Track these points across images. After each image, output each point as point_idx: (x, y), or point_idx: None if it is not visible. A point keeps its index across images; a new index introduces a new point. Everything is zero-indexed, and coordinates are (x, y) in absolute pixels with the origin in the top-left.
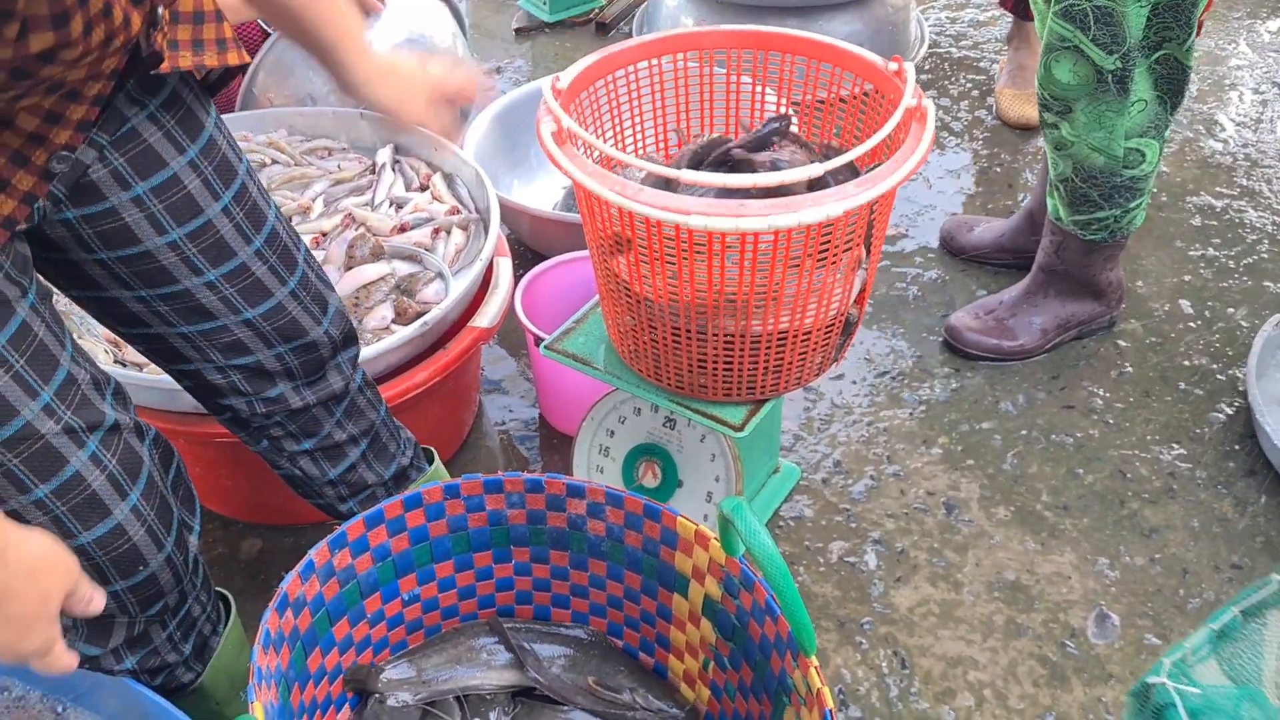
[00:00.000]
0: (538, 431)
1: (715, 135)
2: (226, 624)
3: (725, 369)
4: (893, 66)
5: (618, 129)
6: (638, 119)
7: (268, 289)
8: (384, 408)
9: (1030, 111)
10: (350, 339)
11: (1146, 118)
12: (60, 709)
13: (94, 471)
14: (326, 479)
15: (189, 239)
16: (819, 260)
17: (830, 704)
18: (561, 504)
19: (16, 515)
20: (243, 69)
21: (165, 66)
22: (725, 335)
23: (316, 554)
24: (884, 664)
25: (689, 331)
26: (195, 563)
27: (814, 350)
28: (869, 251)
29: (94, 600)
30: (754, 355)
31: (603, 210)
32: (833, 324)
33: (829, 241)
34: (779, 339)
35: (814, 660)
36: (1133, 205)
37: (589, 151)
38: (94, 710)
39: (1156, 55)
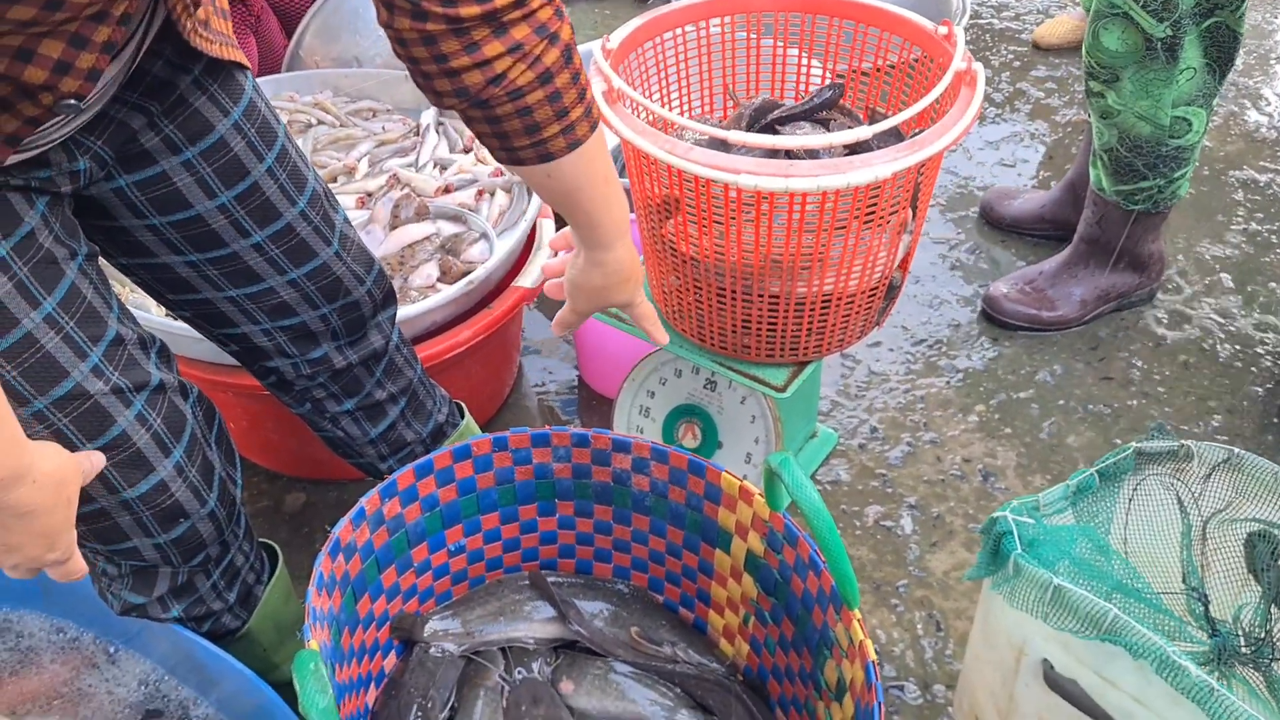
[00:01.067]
0: (576, 393)
1: (766, 98)
2: (272, 574)
3: (769, 330)
4: (942, 30)
5: (664, 92)
6: (684, 83)
7: (313, 249)
8: (420, 366)
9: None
10: (390, 298)
11: (1195, 86)
12: (112, 650)
13: (139, 430)
14: (368, 438)
15: (237, 201)
16: (865, 223)
17: (872, 655)
18: (607, 459)
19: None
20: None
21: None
22: (770, 296)
23: (368, 502)
24: (919, 626)
25: (734, 292)
26: (238, 515)
27: (857, 313)
28: (915, 215)
29: (94, 466)
30: (798, 317)
31: (652, 170)
32: (877, 287)
33: (875, 204)
34: (823, 301)
35: (857, 613)
36: (1177, 175)
37: (638, 112)
38: (144, 653)
39: (1208, 23)
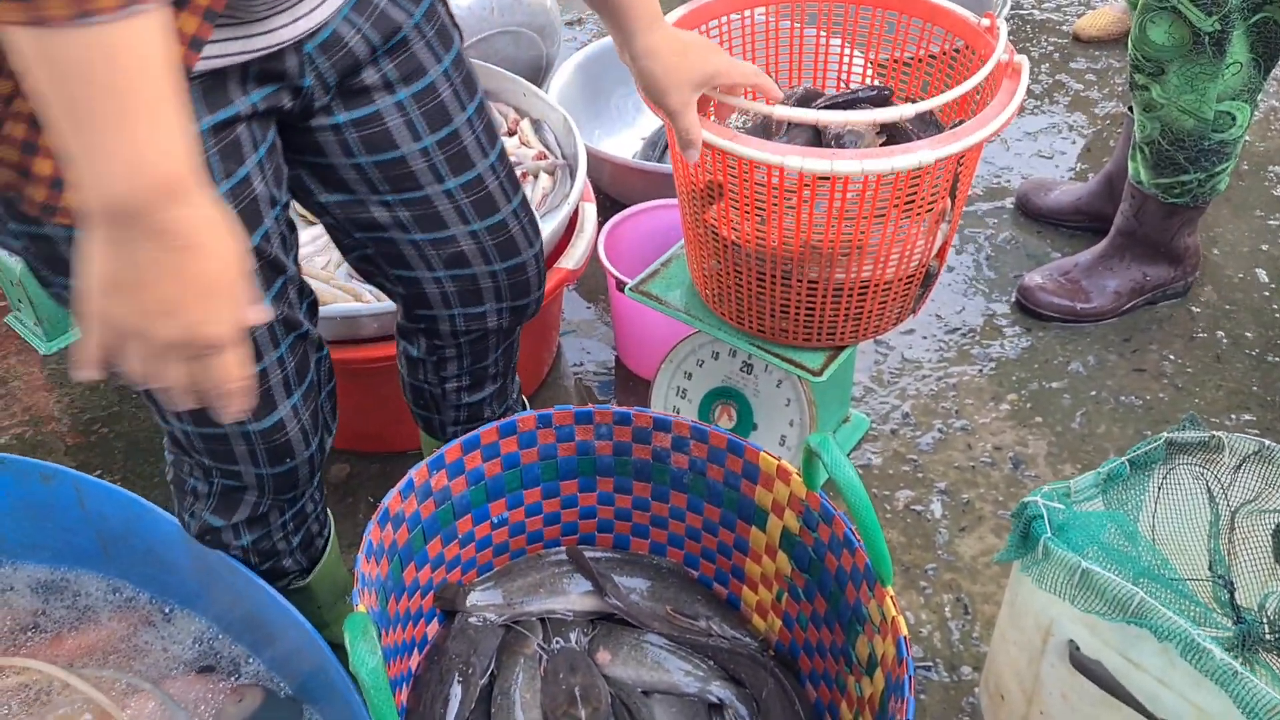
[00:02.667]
0: (613, 373)
1: (809, 87)
2: (330, 535)
3: (807, 315)
4: (984, 22)
5: None
6: None
7: (496, 204)
8: (518, 357)
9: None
10: (545, 277)
11: (1240, 80)
12: (168, 609)
13: (277, 371)
14: (458, 403)
15: (438, 146)
16: (905, 211)
17: (904, 631)
18: (647, 437)
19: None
20: None
21: None
22: (810, 282)
23: (416, 474)
24: (947, 608)
25: (774, 277)
26: (314, 472)
27: (894, 300)
28: (953, 204)
29: (256, 310)
30: (835, 303)
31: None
32: (914, 275)
33: (916, 191)
34: (861, 288)
35: (890, 590)
36: (1218, 169)
37: None
38: (200, 612)
39: (1256, 17)
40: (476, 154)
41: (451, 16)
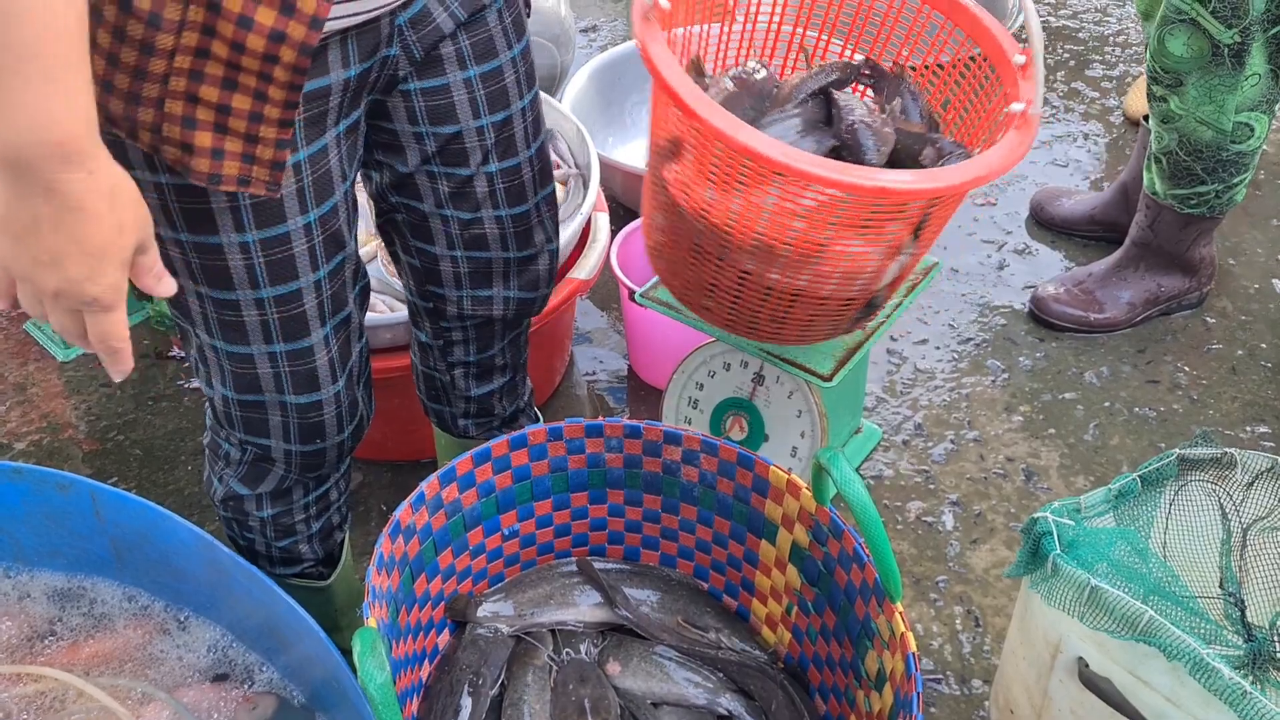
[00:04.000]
0: (625, 382)
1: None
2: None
3: (732, 301)
4: (1019, 60)
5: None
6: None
7: (525, 194)
8: (527, 356)
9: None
10: (554, 276)
11: (1259, 92)
12: (183, 617)
13: (322, 351)
14: (466, 393)
15: (493, 129)
16: (860, 232)
17: (913, 647)
18: (658, 450)
19: (249, 360)
20: None
21: None
22: (741, 270)
23: (428, 486)
24: (958, 621)
25: (708, 253)
26: (352, 449)
27: (825, 317)
28: (915, 240)
29: (164, 278)
30: (763, 300)
31: (667, 111)
32: (853, 299)
33: (873, 218)
34: (792, 295)
35: (899, 606)
36: (1236, 180)
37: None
38: (215, 619)
39: (1276, 29)
40: (521, 144)
41: (529, 7)
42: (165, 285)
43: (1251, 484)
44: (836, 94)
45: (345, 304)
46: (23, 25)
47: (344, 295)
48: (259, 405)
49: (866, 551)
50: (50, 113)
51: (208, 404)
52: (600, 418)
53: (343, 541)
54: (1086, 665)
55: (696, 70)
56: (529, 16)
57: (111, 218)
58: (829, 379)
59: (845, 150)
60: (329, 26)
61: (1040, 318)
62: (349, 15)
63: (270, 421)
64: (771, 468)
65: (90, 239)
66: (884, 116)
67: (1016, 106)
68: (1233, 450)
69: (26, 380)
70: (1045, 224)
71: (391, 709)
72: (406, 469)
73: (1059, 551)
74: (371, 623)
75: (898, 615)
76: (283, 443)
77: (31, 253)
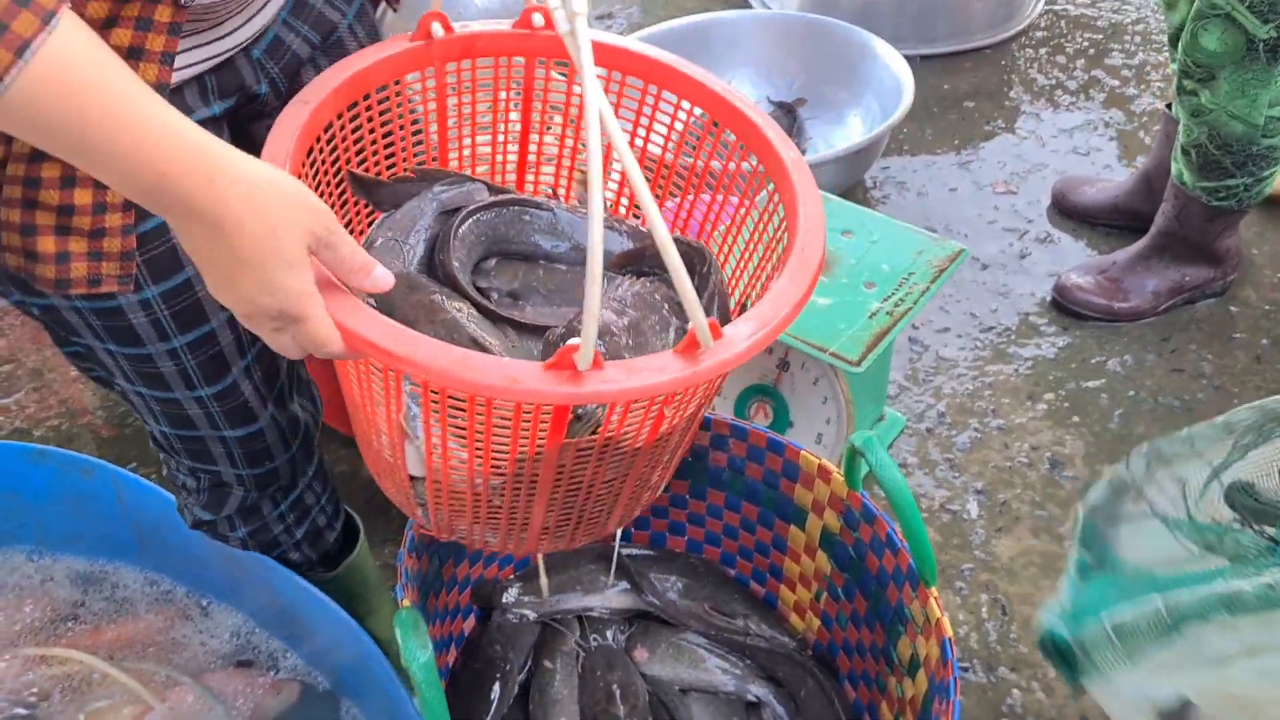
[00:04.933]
0: None
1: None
2: (357, 543)
3: None
4: (790, 154)
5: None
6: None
7: None
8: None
9: None
10: None
11: None
12: (205, 603)
13: (246, 382)
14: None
15: None
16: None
17: (949, 632)
18: None
19: (176, 403)
20: None
21: None
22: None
23: None
24: (984, 609)
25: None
26: (312, 455)
27: (384, 468)
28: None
29: (371, 271)
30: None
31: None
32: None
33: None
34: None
35: (934, 591)
36: (1266, 174)
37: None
38: (237, 606)
39: None
40: None
41: (396, 5)
42: (377, 279)
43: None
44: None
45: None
46: (67, 88)
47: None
48: (198, 439)
49: (900, 536)
50: (140, 149)
51: (149, 436)
52: None
53: (337, 536)
54: (1188, 701)
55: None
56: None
57: (257, 222)
58: (857, 364)
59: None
60: (181, 74)
61: (1064, 306)
62: (200, 61)
63: (214, 451)
64: (802, 453)
65: (242, 250)
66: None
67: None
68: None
69: (43, 365)
70: (1067, 213)
71: (435, 689)
72: None
73: (1067, 634)
74: (406, 603)
75: (932, 600)
76: (231, 468)
77: (210, 278)
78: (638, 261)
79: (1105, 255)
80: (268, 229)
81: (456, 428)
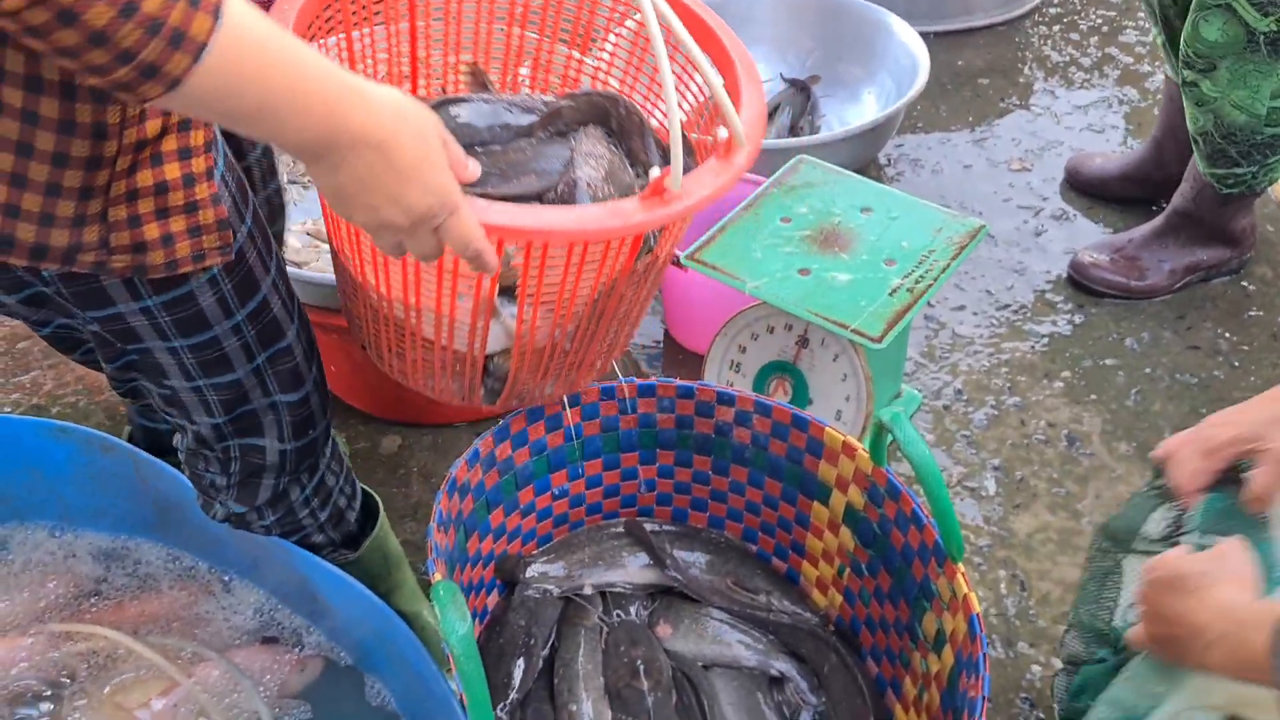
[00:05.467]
0: (661, 347)
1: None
2: (376, 522)
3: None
4: (722, 133)
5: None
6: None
7: None
8: None
9: None
10: None
11: None
12: (227, 579)
13: (298, 345)
14: None
15: None
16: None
17: (976, 608)
18: (710, 410)
19: (236, 384)
20: None
21: None
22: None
23: (482, 443)
24: (1002, 585)
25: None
26: (329, 431)
27: (441, 367)
28: (515, 301)
29: (469, 163)
30: (376, 324)
31: None
32: (462, 357)
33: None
34: (399, 328)
35: (960, 567)
36: (1272, 160)
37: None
38: (258, 583)
39: None
40: None
41: None
42: (472, 171)
43: None
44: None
45: (291, 289)
46: (246, 70)
47: (289, 282)
48: (251, 415)
49: (926, 512)
50: (311, 97)
51: (182, 439)
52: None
53: (357, 516)
54: None
55: (479, 82)
56: None
57: (408, 134)
58: (879, 341)
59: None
60: None
61: (1080, 283)
62: None
63: (265, 423)
64: (827, 429)
65: (401, 160)
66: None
67: (721, 132)
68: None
69: None
70: (1081, 187)
71: (473, 661)
72: (446, 431)
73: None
74: (439, 577)
75: (959, 576)
76: (278, 442)
77: (373, 205)
78: (555, 121)
79: (1121, 233)
80: (418, 137)
81: (549, 285)
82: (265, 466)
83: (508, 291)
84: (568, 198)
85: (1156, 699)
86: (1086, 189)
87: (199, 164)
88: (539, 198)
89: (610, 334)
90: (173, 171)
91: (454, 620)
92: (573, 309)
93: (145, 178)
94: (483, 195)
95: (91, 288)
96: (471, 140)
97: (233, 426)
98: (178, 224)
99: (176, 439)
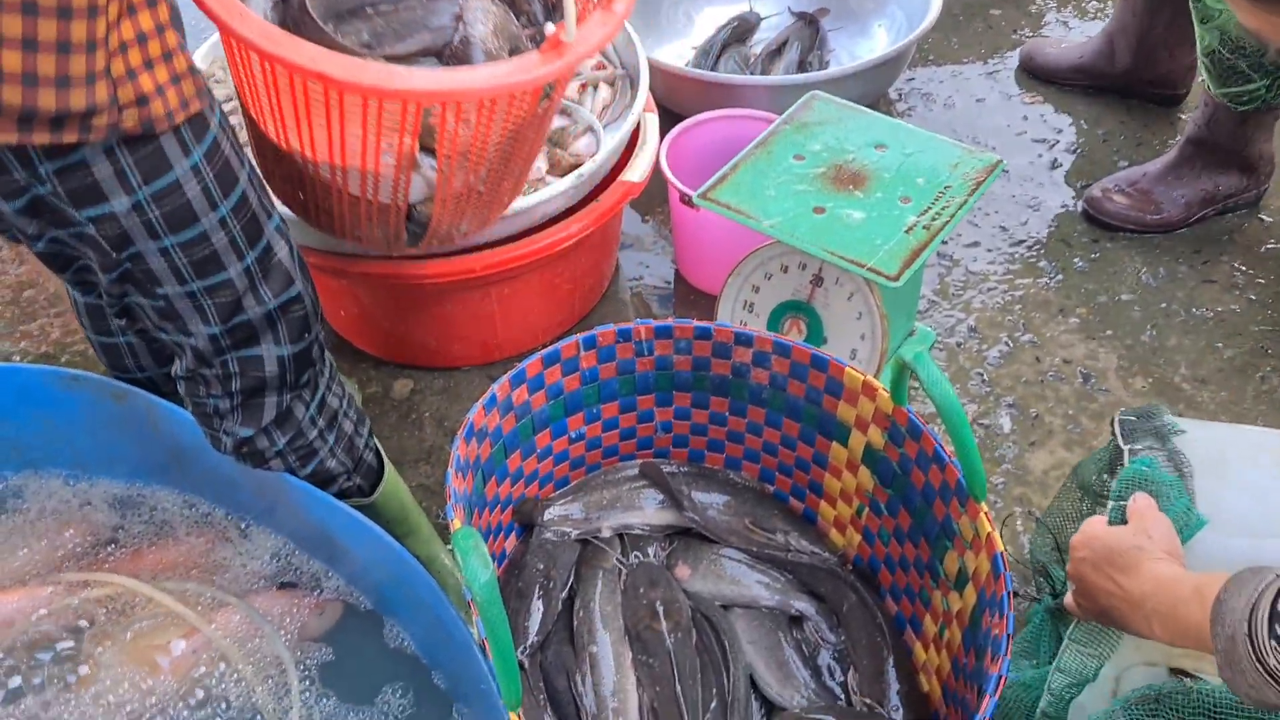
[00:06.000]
0: (672, 287)
1: None
2: (385, 468)
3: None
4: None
5: None
6: None
7: None
8: None
9: None
10: None
11: None
12: (244, 525)
13: (280, 244)
14: None
15: None
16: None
17: (1000, 547)
18: (728, 352)
19: (229, 284)
20: None
21: None
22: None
23: (499, 388)
24: (1018, 523)
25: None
26: (325, 352)
27: (368, 219)
28: (435, 158)
29: None
30: (308, 188)
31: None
32: (386, 206)
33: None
34: (324, 184)
35: (984, 506)
36: None
37: None
38: (275, 528)
39: None
40: None
41: None
42: None
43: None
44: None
45: (264, 187)
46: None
47: (260, 180)
48: (248, 326)
49: (948, 452)
50: None
51: (180, 362)
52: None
53: (373, 448)
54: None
55: None
56: None
57: None
58: (896, 279)
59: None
60: None
61: (1094, 218)
62: None
63: (261, 330)
64: (847, 369)
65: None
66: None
67: (550, 27)
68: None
69: (65, 290)
70: (1034, 73)
71: (496, 607)
72: (457, 374)
73: None
74: (458, 523)
75: (982, 515)
76: (276, 347)
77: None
78: None
79: (1137, 166)
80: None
81: (464, 137)
82: (266, 380)
83: (426, 147)
84: (463, 55)
85: (1100, 659)
86: (1039, 77)
87: (162, 12)
88: (438, 55)
89: (516, 173)
90: (146, 21)
91: (477, 567)
92: (485, 155)
93: (128, 29)
94: (385, 57)
95: (86, 183)
96: (364, 1)
97: (230, 338)
98: (162, 74)
99: (175, 366)
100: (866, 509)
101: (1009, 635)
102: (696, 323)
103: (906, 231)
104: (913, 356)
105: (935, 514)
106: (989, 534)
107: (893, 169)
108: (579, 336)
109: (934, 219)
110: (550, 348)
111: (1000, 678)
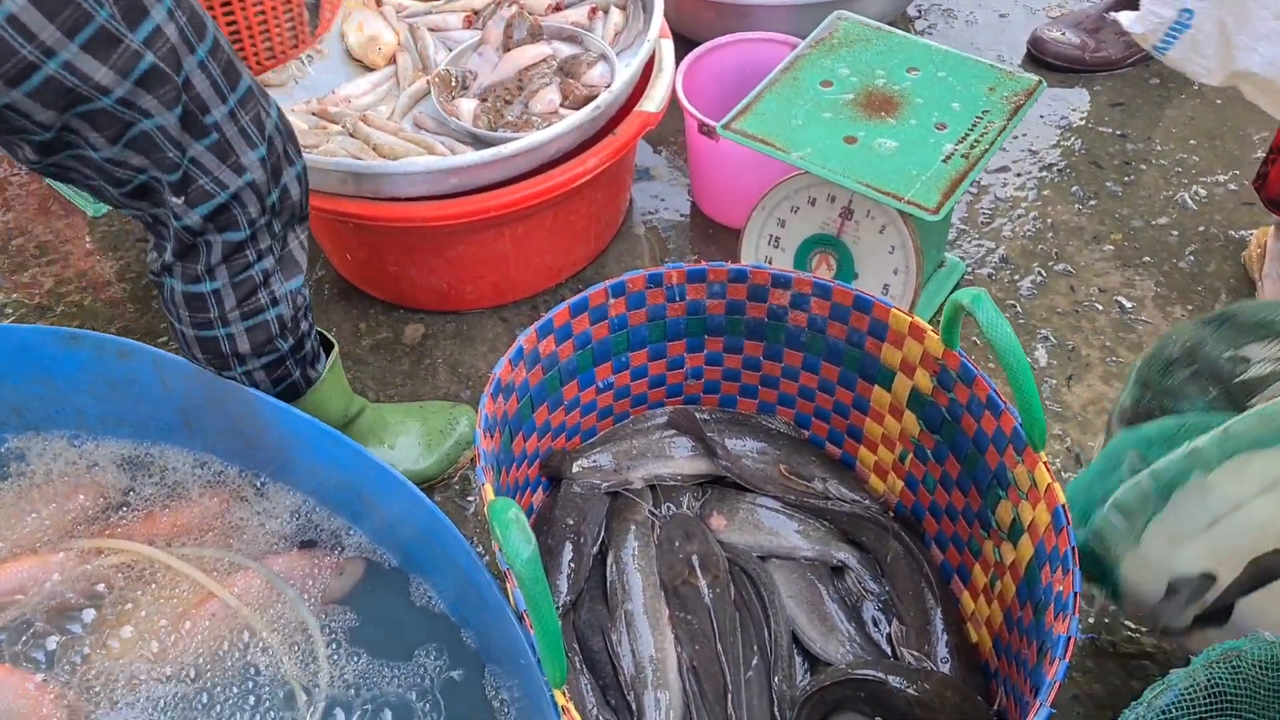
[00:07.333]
0: (689, 220)
1: None
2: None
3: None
4: None
5: None
6: None
7: None
8: None
9: None
10: None
11: None
12: (260, 483)
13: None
14: None
15: None
16: None
17: (1062, 499)
18: (764, 294)
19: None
20: None
21: None
22: None
23: (525, 340)
24: (1059, 460)
25: None
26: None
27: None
28: None
29: None
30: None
31: None
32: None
33: None
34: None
35: (1043, 455)
36: None
37: None
38: (293, 486)
39: None
40: None
41: None
42: None
43: None
44: None
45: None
46: None
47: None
48: (226, 146)
49: (1002, 398)
50: None
51: (162, 220)
52: (663, 259)
53: (311, 328)
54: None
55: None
56: None
57: None
58: (935, 212)
59: None
60: None
61: (1037, 57)
62: None
63: (235, 142)
64: (893, 310)
65: None
66: None
67: None
68: None
69: (55, 237)
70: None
71: (540, 585)
72: (470, 318)
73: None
74: (489, 491)
75: (1041, 465)
76: (250, 150)
77: None
78: None
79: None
80: None
81: None
82: (238, 202)
83: None
84: None
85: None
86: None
87: None
88: None
89: None
90: None
91: (518, 543)
92: None
93: None
94: None
95: None
96: None
97: (213, 151)
98: None
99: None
100: (910, 454)
101: (1076, 593)
102: (731, 265)
103: (944, 160)
104: (971, 300)
105: (987, 462)
106: (1049, 485)
107: (926, 94)
108: (607, 284)
109: (972, 146)
110: (579, 295)
111: (1069, 639)
